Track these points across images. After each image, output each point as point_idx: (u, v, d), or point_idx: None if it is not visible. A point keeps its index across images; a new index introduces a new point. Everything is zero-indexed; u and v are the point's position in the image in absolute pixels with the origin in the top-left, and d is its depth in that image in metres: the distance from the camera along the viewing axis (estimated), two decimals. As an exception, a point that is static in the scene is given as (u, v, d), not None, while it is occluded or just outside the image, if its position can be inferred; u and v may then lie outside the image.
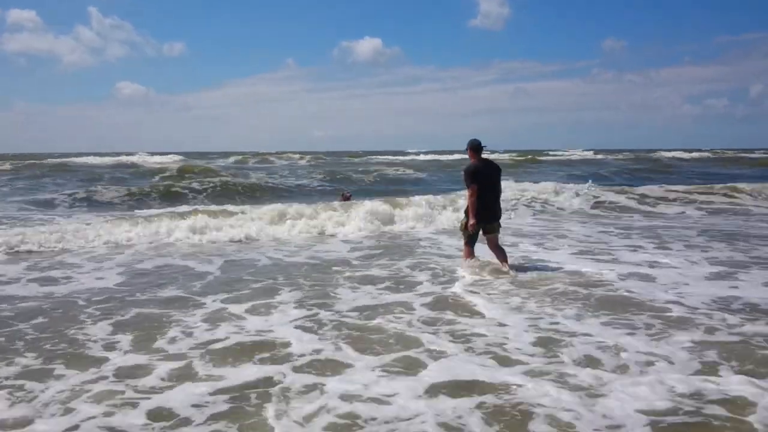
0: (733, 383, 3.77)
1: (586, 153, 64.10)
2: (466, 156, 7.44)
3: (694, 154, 58.49)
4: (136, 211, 14.31)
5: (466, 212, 7.30)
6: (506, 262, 7.24)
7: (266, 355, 4.39)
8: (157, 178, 26.08)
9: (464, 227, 7.34)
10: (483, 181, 7.08)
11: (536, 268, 7.45)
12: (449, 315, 5.43)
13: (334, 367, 4.12)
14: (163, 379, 3.93)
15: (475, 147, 7.13)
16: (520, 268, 7.39)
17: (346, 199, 13.46)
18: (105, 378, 3.97)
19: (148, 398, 3.64)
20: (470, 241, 7.39)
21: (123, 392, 3.73)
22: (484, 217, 7.11)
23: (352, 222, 11.28)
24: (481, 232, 7.27)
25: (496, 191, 7.23)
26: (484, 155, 7.35)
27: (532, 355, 4.30)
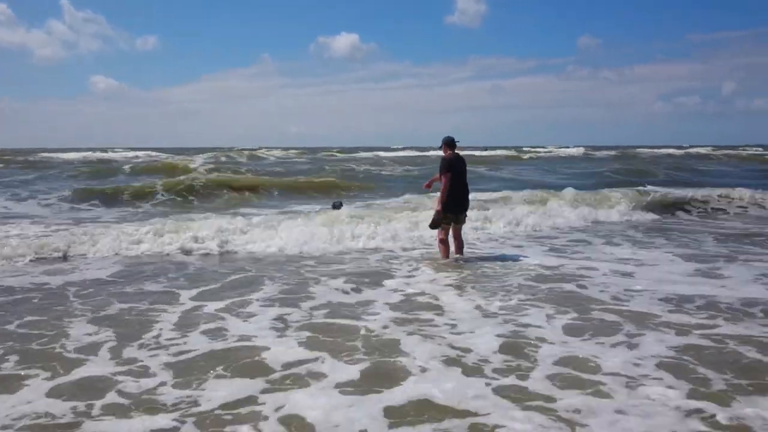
0: (730, 403, 3.24)
1: (571, 150, 63.15)
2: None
3: (690, 150, 55.35)
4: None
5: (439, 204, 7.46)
6: (461, 252, 7.62)
7: (237, 366, 3.92)
8: (124, 170, 24.76)
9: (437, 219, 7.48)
10: (456, 174, 7.39)
11: (508, 262, 7.44)
12: (424, 315, 5.08)
13: (307, 382, 3.66)
14: (113, 404, 3.42)
15: (450, 142, 7.54)
16: (493, 262, 7.43)
17: (334, 206, 12.57)
18: (57, 396, 3.47)
19: (94, 424, 3.12)
20: (443, 233, 7.52)
21: (63, 416, 3.19)
22: (456, 209, 7.42)
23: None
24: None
25: (465, 184, 7.53)
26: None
27: (501, 372, 3.80)
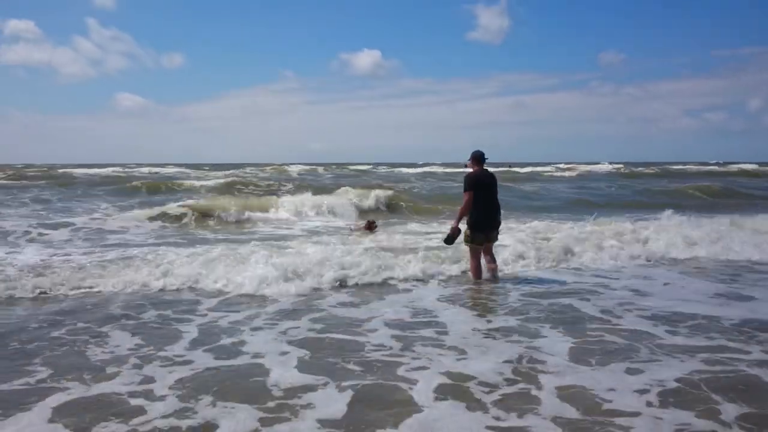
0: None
1: (605, 166, 54.40)
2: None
3: (732, 168, 49.42)
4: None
5: (468, 224, 6.98)
6: (494, 266, 7.11)
7: (240, 390, 3.82)
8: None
9: (468, 239, 7.03)
10: (484, 191, 6.88)
11: (529, 283, 7.27)
12: (427, 334, 4.94)
13: (303, 415, 3.51)
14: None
15: (478, 157, 6.99)
16: (515, 282, 7.25)
17: (370, 228, 11.51)
18: (57, 420, 3.43)
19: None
20: (475, 253, 7.07)
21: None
22: (486, 226, 6.94)
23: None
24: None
25: (496, 201, 7.05)
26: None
27: (505, 408, 3.54)
